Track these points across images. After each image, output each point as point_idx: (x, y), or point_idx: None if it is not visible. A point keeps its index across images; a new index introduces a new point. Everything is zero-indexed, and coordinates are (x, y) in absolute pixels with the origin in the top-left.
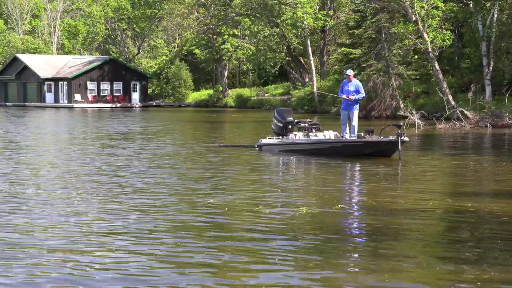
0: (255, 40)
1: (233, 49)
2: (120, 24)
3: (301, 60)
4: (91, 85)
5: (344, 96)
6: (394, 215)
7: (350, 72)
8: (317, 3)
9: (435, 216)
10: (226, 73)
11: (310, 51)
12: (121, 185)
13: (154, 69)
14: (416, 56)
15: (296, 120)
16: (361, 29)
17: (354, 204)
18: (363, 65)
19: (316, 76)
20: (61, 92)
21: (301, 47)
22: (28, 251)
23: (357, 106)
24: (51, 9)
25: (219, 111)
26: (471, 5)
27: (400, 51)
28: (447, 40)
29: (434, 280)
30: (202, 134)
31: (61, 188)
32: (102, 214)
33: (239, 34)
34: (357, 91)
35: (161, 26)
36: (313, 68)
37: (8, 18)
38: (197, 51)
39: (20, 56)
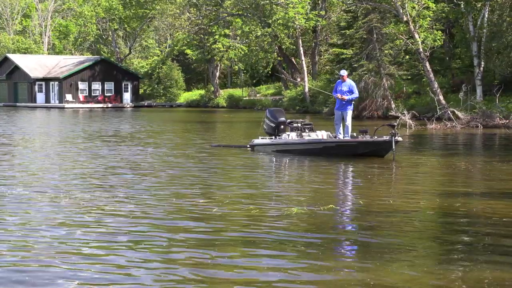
0: (247, 40)
1: (225, 49)
2: (111, 24)
3: (293, 60)
4: (82, 85)
5: (338, 95)
6: (384, 215)
7: (343, 72)
8: (309, 3)
9: (426, 216)
10: (217, 73)
11: (301, 51)
12: (111, 186)
13: (146, 69)
14: (407, 56)
15: (288, 120)
16: (353, 30)
17: (345, 204)
18: (355, 65)
19: (307, 76)
20: (52, 92)
21: (293, 47)
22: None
23: (351, 106)
24: (42, 9)
25: (210, 111)
26: (462, 6)
27: (391, 51)
28: (438, 41)
29: (425, 280)
30: (193, 134)
31: (49, 187)
32: (89, 214)
33: (231, 34)
34: (351, 91)
35: (152, 26)
36: (305, 68)
37: None
38: (188, 51)
39: (11, 56)
